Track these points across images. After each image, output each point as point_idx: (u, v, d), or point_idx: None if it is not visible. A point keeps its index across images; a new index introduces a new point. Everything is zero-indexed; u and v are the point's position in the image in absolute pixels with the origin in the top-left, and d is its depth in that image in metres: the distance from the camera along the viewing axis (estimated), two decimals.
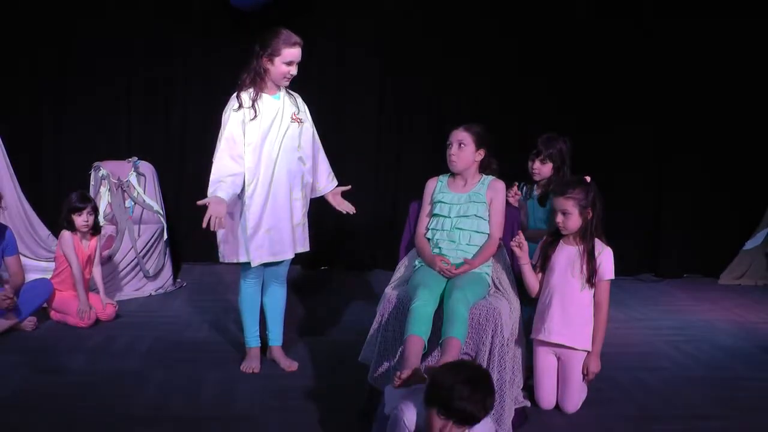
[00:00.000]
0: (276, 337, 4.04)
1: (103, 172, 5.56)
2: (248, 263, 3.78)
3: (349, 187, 4.05)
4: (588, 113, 6.26)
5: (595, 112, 6.29)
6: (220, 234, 3.80)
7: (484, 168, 3.65)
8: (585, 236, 3.45)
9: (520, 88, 6.26)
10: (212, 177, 3.67)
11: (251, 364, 3.93)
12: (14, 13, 6.07)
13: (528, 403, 3.47)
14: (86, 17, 6.15)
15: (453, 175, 3.66)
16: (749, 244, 6.36)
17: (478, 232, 3.55)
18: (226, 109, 3.76)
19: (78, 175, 5.74)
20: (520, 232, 3.57)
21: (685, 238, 6.49)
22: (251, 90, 3.74)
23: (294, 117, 3.80)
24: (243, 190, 3.70)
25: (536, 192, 4.06)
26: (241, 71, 3.78)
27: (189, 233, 6.40)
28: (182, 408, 3.45)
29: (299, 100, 3.92)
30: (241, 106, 3.70)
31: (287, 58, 3.68)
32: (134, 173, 5.66)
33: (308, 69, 6.30)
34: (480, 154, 3.59)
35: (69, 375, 3.82)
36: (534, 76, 6.25)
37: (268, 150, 3.71)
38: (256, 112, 3.69)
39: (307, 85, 6.21)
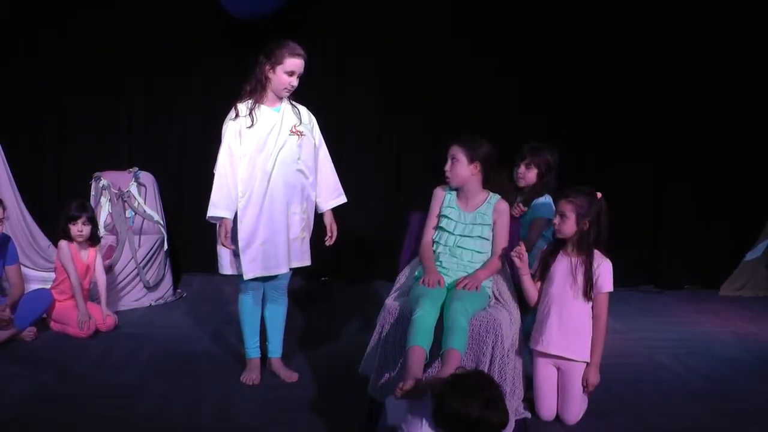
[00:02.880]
0: (275, 349, 4.03)
1: (103, 182, 5.56)
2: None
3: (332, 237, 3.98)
4: (588, 124, 6.29)
5: (596, 119, 6.31)
6: (219, 246, 3.81)
7: (489, 182, 3.64)
8: (582, 247, 3.45)
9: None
10: (217, 193, 3.68)
11: (251, 375, 3.92)
12: (15, 27, 6.11)
13: (528, 415, 3.47)
14: (87, 29, 6.18)
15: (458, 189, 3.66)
16: (750, 256, 6.36)
17: (480, 252, 3.57)
18: (225, 120, 3.77)
19: (79, 186, 5.75)
20: (521, 243, 3.58)
21: (686, 250, 6.48)
22: (249, 101, 3.74)
23: (293, 130, 3.77)
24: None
25: (519, 199, 4.09)
26: (245, 81, 3.79)
27: (189, 244, 6.41)
28: (182, 419, 3.44)
29: (304, 112, 3.90)
30: (237, 115, 3.71)
31: (288, 67, 3.68)
32: (135, 183, 5.67)
33: (307, 82, 6.38)
34: (475, 168, 3.56)
35: (68, 386, 3.81)
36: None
37: (262, 162, 3.69)
38: (252, 120, 3.69)
39: (306, 97, 6.18)
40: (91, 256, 4.89)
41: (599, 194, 3.47)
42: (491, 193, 3.63)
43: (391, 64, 6.36)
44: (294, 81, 3.73)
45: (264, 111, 3.74)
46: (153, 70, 6.32)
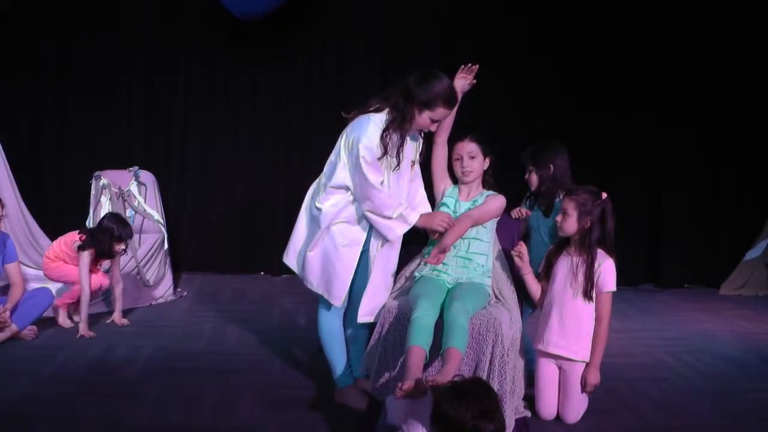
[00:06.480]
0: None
1: (103, 181, 5.57)
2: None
3: None
4: (589, 125, 6.29)
5: (597, 119, 6.31)
6: (320, 270, 3.44)
7: (483, 180, 3.66)
8: (583, 246, 3.43)
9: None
10: (388, 211, 3.30)
11: (361, 404, 3.54)
12: (16, 30, 6.11)
13: (528, 414, 3.47)
14: (87, 30, 6.19)
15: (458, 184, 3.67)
16: (750, 255, 6.37)
17: (476, 239, 3.56)
18: (362, 139, 3.27)
19: (79, 185, 5.76)
20: (521, 242, 3.57)
21: (686, 249, 6.49)
22: (396, 135, 3.32)
23: (412, 167, 3.55)
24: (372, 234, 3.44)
25: (534, 204, 4.04)
26: (385, 100, 3.36)
27: (189, 243, 6.42)
28: (182, 418, 3.44)
29: (419, 139, 3.59)
30: (385, 153, 3.29)
31: (437, 116, 3.34)
32: (135, 183, 5.68)
33: (308, 82, 6.39)
34: (487, 163, 3.61)
35: (68, 385, 3.81)
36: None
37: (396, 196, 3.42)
38: (399, 160, 3.35)
39: (306, 97, 6.21)
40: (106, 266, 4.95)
41: (604, 194, 3.43)
42: (484, 189, 3.65)
43: (391, 63, 6.36)
44: (433, 128, 3.41)
45: (400, 141, 3.36)
46: (153, 70, 6.32)
